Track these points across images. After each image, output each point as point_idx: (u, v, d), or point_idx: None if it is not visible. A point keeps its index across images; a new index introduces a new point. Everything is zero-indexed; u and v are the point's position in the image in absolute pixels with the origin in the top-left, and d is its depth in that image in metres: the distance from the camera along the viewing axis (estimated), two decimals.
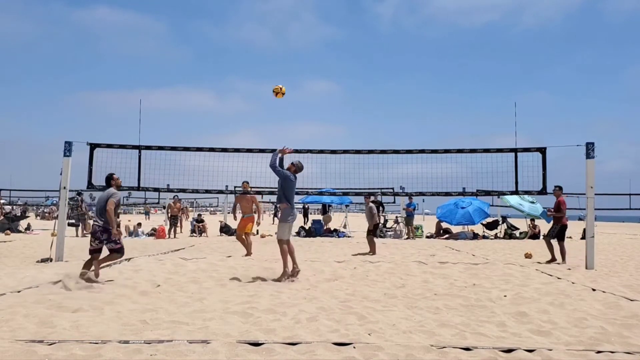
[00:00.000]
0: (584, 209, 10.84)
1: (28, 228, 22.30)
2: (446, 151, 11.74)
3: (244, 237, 11.70)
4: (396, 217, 22.78)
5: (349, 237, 19.96)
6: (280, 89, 9.15)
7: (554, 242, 11.12)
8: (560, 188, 11.00)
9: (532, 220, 20.32)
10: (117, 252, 7.69)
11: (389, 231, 20.90)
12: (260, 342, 4.27)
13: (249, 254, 11.45)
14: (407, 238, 19.21)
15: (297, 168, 7.96)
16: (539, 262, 11.00)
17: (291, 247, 7.78)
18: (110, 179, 7.95)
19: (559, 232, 11.08)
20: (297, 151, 11.95)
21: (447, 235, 20.22)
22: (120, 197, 7.90)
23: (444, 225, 21.21)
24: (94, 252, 7.59)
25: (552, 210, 11.28)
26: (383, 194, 19.75)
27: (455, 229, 21.14)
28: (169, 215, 20.36)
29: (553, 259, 11.02)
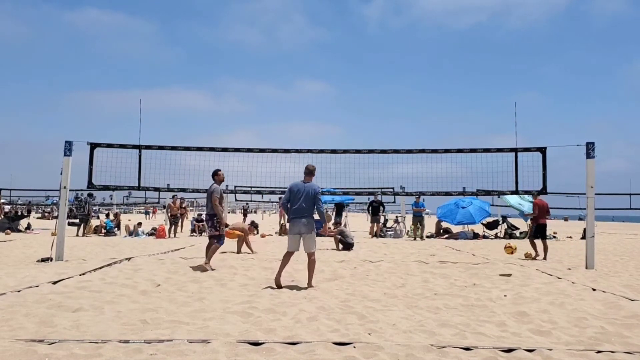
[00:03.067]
0: (584, 209, 10.85)
1: (28, 227, 22.32)
2: (446, 151, 11.76)
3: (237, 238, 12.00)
4: (396, 217, 22.75)
5: None
6: None
7: (538, 241, 11.99)
8: (538, 192, 11.47)
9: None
10: (217, 238, 8.76)
11: (389, 231, 20.87)
12: (260, 341, 4.27)
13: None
14: (409, 238, 19.15)
15: (306, 170, 7.43)
16: (535, 259, 11.48)
17: (311, 261, 7.32)
18: (215, 175, 8.95)
19: (536, 231, 11.94)
20: (297, 151, 12.00)
21: (447, 235, 20.21)
22: (220, 191, 8.88)
23: (444, 224, 21.21)
24: (211, 237, 8.96)
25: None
26: (383, 193, 19.76)
27: (455, 229, 21.13)
28: (170, 214, 20.37)
29: (536, 256, 11.74)
